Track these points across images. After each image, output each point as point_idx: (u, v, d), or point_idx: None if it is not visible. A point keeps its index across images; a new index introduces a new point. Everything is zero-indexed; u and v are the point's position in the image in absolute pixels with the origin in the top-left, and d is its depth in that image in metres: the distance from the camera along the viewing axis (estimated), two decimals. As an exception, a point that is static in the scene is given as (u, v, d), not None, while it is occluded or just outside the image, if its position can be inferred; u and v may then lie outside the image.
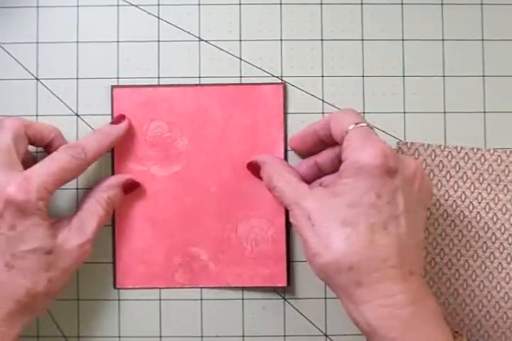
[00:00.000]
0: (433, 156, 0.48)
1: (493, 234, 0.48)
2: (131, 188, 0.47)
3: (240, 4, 0.49)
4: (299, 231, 0.41)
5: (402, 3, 0.49)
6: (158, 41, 0.48)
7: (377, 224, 0.39)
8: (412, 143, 0.48)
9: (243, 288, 0.48)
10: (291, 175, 0.44)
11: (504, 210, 0.48)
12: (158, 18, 0.49)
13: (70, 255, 0.43)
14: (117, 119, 0.47)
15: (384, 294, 0.38)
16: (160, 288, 0.48)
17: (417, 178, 0.41)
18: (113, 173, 0.48)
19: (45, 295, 0.42)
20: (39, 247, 0.41)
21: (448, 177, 0.48)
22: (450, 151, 0.48)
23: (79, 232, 0.44)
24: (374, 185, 0.39)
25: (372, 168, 0.39)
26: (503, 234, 0.48)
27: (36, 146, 0.46)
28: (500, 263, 0.48)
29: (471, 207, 0.48)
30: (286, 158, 0.48)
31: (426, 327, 0.39)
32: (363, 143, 0.40)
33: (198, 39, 0.49)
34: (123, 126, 0.47)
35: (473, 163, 0.48)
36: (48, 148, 0.46)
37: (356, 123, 0.41)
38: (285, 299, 0.48)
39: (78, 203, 0.48)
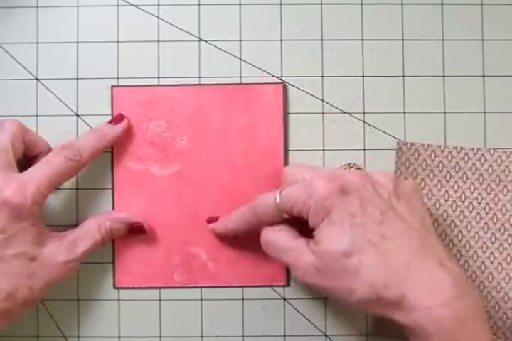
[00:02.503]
0: (433, 156, 0.48)
1: (493, 234, 0.48)
2: (137, 232, 0.47)
3: (239, 4, 0.49)
4: (319, 285, 0.41)
5: (402, 3, 0.49)
6: (158, 41, 0.48)
7: (373, 238, 0.39)
8: (412, 143, 0.48)
9: (243, 288, 0.48)
10: (287, 243, 0.43)
11: (504, 210, 0.48)
12: (158, 18, 0.49)
13: (54, 268, 0.43)
14: (116, 119, 0.47)
15: (430, 293, 0.38)
16: (159, 288, 0.48)
17: (368, 183, 0.41)
18: (112, 172, 0.48)
19: (24, 302, 0.42)
20: (24, 252, 0.41)
21: (448, 177, 0.48)
22: (450, 151, 0.48)
23: (69, 249, 0.43)
24: (341, 208, 0.40)
25: (327, 197, 0.40)
26: (503, 234, 0.48)
27: (24, 155, 0.45)
28: (500, 263, 0.48)
29: (471, 207, 0.48)
30: (286, 158, 0.48)
31: (474, 322, 0.38)
32: (306, 185, 0.41)
33: (198, 39, 0.49)
34: (121, 126, 0.47)
35: (473, 163, 0.48)
36: (31, 159, 0.46)
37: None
38: (285, 299, 0.48)
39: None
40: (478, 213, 0.48)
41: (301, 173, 0.43)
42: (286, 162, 0.48)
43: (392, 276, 0.38)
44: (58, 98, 0.48)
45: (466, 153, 0.48)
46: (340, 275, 0.39)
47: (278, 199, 0.42)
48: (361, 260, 0.39)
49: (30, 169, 0.43)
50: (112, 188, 0.48)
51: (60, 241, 0.43)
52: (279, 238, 0.42)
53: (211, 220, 0.47)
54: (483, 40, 0.49)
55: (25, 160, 0.46)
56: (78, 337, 0.48)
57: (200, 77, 0.48)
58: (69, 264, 0.43)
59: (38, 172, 0.43)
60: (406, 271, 0.38)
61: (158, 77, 0.48)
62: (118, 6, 0.49)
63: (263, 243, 0.43)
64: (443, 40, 0.49)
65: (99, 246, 0.45)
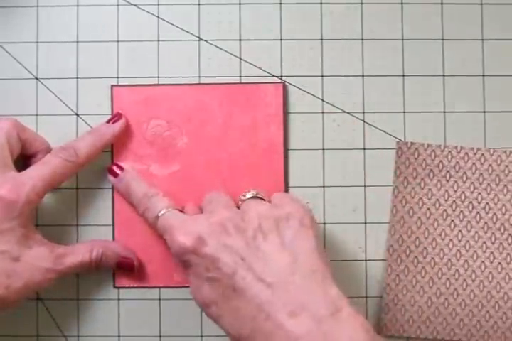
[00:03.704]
0: (433, 156, 0.48)
1: (493, 234, 0.48)
2: (126, 267, 0.47)
3: (239, 4, 0.49)
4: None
5: (401, 3, 0.49)
6: (158, 41, 0.48)
7: (225, 291, 0.39)
8: (412, 143, 0.48)
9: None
10: None
11: (504, 210, 0.48)
12: (158, 17, 0.49)
13: (35, 272, 0.42)
14: (114, 118, 0.47)
15: None
16: (159, 287, 0.48)
17: (229, 225, 0.41)
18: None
19: None
20: (6, 251, 0.41)
21: (448, 177, 0.48)
22: (450, 151, 0.48)
23: (57, 259, 0.43)
24: (197, 263, 0.40)
25: (183, 254, 0.41)
26: (502, 234, 0.48)
27: (22, 154, 0.45)
28: (499, 263, 0.48)
29: (471, 207, 0.48)
30: (286, 157, 0.48)
31: None
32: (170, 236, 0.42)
33: (197, 39, 0.49)
34: (118, 125, 0.47)
35: (473, 163, 0.48)
36: (29, 158, 0.46)
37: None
38: (285, 299, 0.48)
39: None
40: (478, 213, 0.48)
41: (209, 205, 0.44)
42: (286, 161, 0.48)
43: (243, 330, 0.38)
44: (58, 97, 0.48)
45: (466, 153, 0.48)
46: (212, 320, 0.40)
47: (159, 215, 0.44)
48: (218, 312, 0.39)
49: (28, 170, 0.43)
50: (112, 188, 0.48)
51: (49, 249, 0.43)
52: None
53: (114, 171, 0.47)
54: (483, 40, 0.49)
55: (24, 158, 0.46)
56: (78, 336, 0.48)
57: (200, 77, 0.48)
58: (50, 273, 0.43)
59: (35, 173, 0.43)
60: (256, 322, 0.37)
61: (158, 77, 0.48)
62: (118, 5, 0.49)
63: None
64: (443, 40, 0.49)
65: (85, 268, 0.45)
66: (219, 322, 0.40)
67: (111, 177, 0.47)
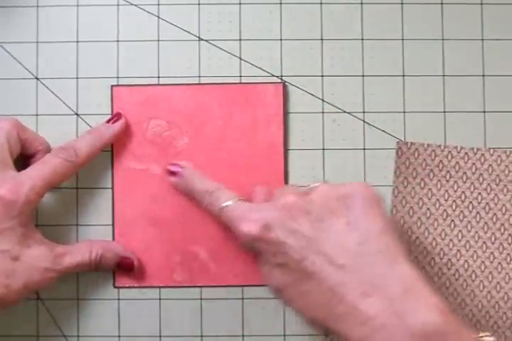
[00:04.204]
0: (433, 156, 0.48)
1: (493, 234, 0.48)
2: (125, 267, 0.47)
3: (240, 4, 0.49)
4: None
5: (402, 3, 0.49)
6: (158, 40, 0.48)
7: (293, 277, 0.39)
8: (411, 143, 0.48)
9: (243, 288, 0.48)
10: None
11: (504, 210, 0.48)
12: (158, 17, 0.49)
13: (35, 272, 0.42)
14: (114, 118, 0.47)
15: (354, 326, 0.37)
16: (159, 287, 0.48)
17: (295, 210, 0.40)
18: (112, 172, 0.48)
19: None
20: (6, 250, 0.41)
21: (448, 177, 0.48)
22: (450, 151, 0.48)
23: (56, 258, 0.43)
24: (265, 250, 0.40)
25: (251, 241, 0.41)
26: (502, 234, 0.48)
27: (22, 154, 0.45)
28: (499, 263, 0.48)
29: (470, 207, 0.48)
30: (286, 158, 0.48)
31: None
32: (237, 225, 0.42)
33: (197, 38, 0.49)
34: (118, 125, 0.47)
35: (473, 163, 0.48)
36: (29, 158, 0.46)
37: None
38: (285, 299, 0.48)
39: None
40: (478, 213, 0.48)
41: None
42: (286, 161, 0.48)
43: (317, 312, 0.38)
44: (58, 97, 0.48)
45: (466, 153, 0.48)
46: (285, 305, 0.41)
47: (223, 206, 0.43)
48: (290, 297, 0.40)
49: (27, 169, 0.43)
50: (112, 188, 0.48)
51: (49, 249, 0.43)
52: None
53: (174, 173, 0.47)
54: (483, 39, 0.49)
55: (24, 158, 0.46)
56: (78, 336, 0.48)
57: (200, 77, 0.48)
58: (49, 273, 0.43)
59: (34, 173, 0.43)
60: (329, 304, 0.38)
61: (158, 77, 0.48)
62: (118, 5, 0.49)
63: None
64: (443, 39, 0.49)
65: (83, 268, 0.45)
66: (293, 306, 0.40)
67: (171, 178, 0.47)
